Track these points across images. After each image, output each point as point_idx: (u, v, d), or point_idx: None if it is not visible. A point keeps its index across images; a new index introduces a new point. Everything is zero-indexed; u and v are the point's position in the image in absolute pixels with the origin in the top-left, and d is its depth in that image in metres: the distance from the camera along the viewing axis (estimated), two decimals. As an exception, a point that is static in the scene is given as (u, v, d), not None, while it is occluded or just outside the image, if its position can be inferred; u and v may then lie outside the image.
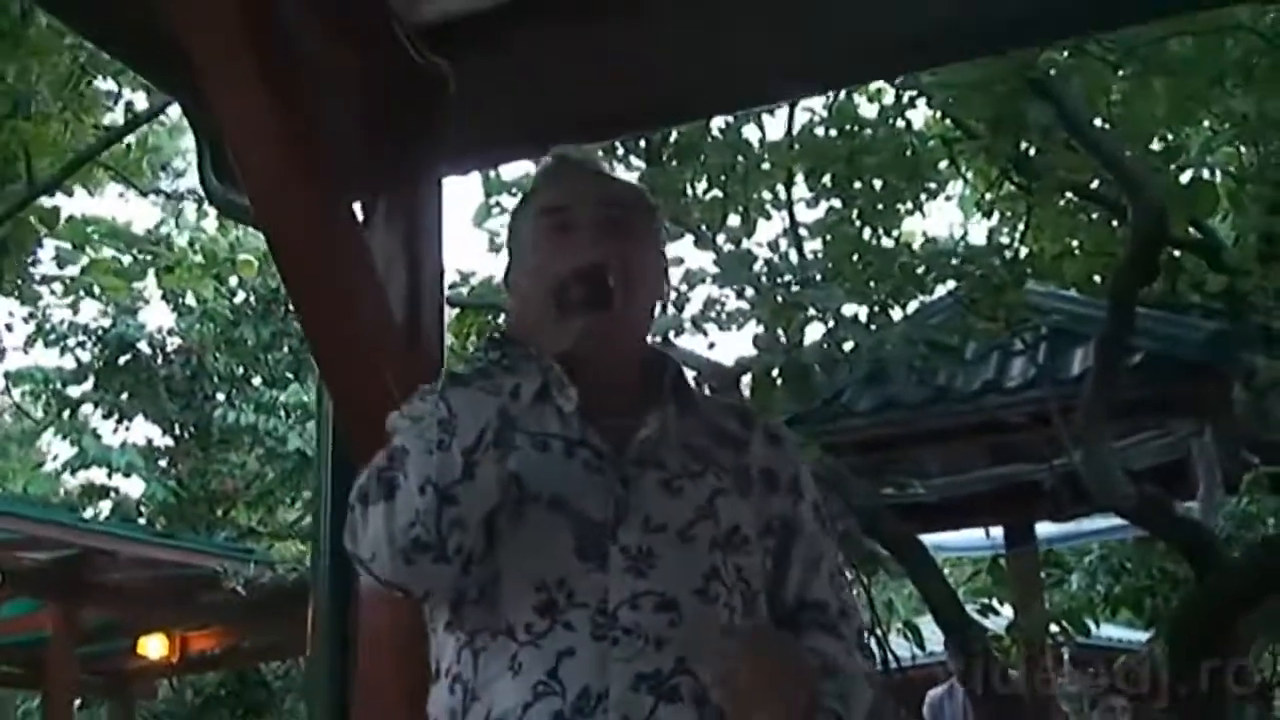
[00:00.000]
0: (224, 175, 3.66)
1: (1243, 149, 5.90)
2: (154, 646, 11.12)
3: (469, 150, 3.81)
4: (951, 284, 5.98)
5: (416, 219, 3.42)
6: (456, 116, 3.38)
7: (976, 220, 8.44)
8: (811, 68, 3.53)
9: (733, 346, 5.99)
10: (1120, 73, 5.00)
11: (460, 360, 1.72)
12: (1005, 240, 7.32)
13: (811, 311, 4.69)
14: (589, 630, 1.66)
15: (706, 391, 1.74)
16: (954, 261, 5.26)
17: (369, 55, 3.33)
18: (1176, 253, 6.49)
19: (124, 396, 14.98)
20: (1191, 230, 6.03)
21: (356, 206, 3.33)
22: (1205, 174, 5.87)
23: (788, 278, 5.16)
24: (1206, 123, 5.83)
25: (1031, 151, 5.57)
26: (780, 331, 4.71)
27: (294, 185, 2.93)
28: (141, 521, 14.25)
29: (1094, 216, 6.73)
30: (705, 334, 5.61)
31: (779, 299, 5.11)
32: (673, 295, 5.83)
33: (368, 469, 1.69)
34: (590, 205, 1.85)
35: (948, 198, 8.39)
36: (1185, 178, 5.53)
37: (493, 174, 6.80)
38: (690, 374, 1.94)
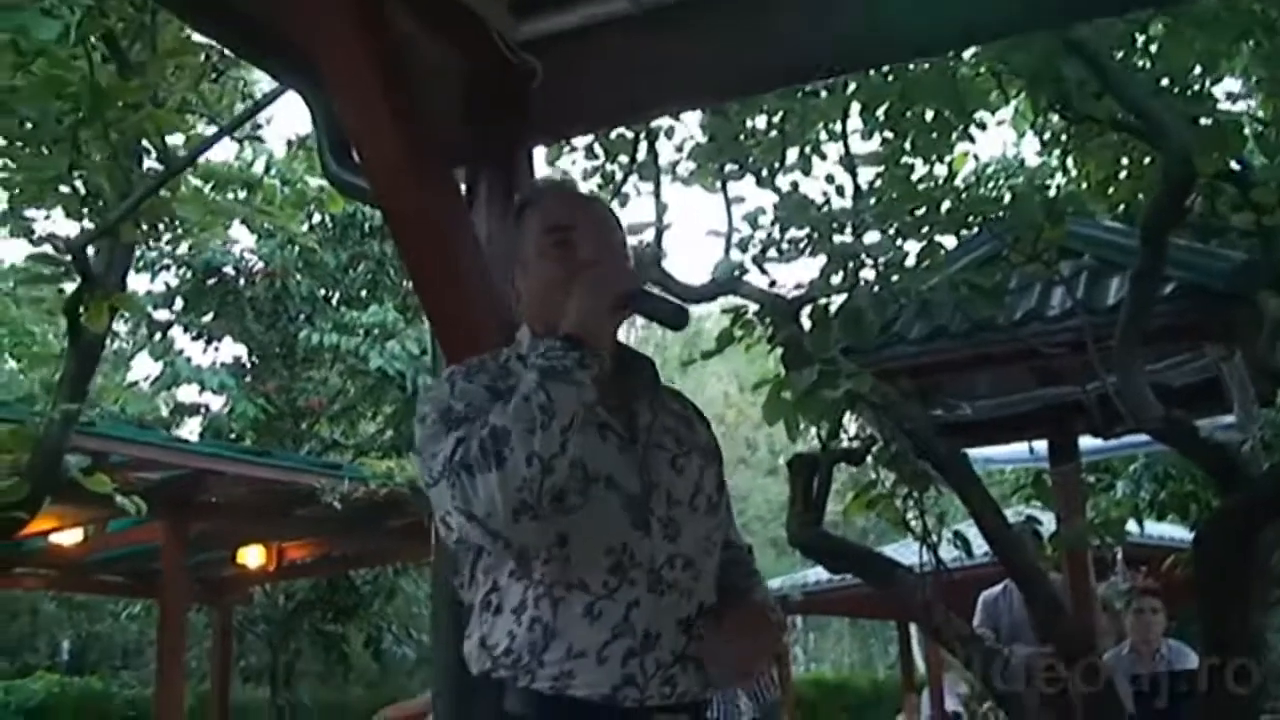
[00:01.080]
0: (341, 158, 4.13)
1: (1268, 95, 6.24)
2: (252, 556, 11.82)
3: (557, 124, 4.35)
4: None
5: (513, 190, 3.93)
6: (546, 97, 3.89)
7: (1028, 139, 8.76)
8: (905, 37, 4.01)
9: (797, 277, 6.42)
10: (1150, 29, 5.36)
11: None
12: (1053, 165, 7.67)
13: (865, 258, 5.14)
14: (646, 586, 2.17)
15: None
16: (998, 205, 5.67)
17: (469, 53, 3.82)
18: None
19: (211, 318, 15.66)
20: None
21: (460, 181, 3.85)
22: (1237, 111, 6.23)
23: (844, 221, 5.62)
24: (1235, 73, 6.15)
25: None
26: (836, 275, 5.17)
27: (406, 163, 3.43)
28: (231, 436, 14.95)
29: (1134, 148, 7.02)
30: (765, 272, 6.05)
31: (834, 241, 5.58)
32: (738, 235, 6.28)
33: (458, 444, 2.06)
34: (593, 226, 2.33)
35: (1000, 123, 8.71)
36: (1213, 121, 5.85)
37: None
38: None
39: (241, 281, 15.66)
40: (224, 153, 13.68)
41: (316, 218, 15.22)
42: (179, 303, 15.51)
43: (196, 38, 5.46)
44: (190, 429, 16.16)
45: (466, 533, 2.08)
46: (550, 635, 2.14)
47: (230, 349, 16.18)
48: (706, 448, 2.40)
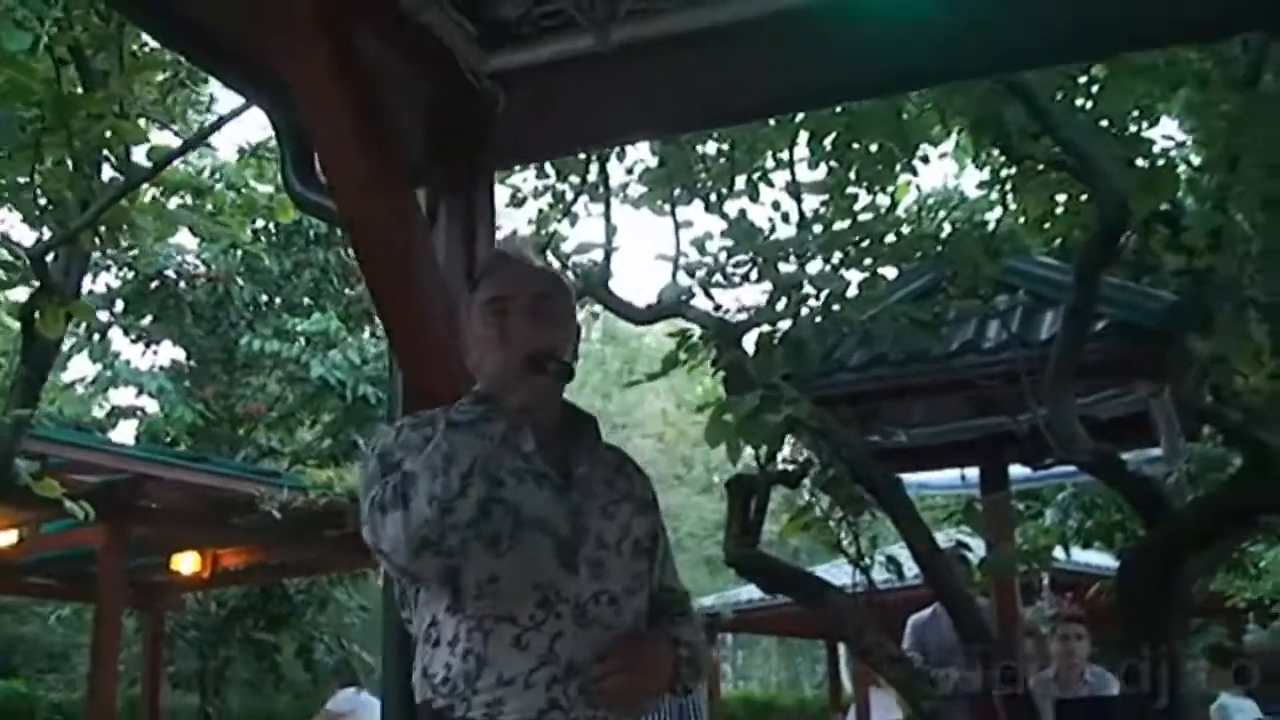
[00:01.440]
0: (305, 177, 4.21)
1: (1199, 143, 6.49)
2: (186, 562, 11.78)
3: (517, 150, 4.48)
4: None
5: (472, 213, 4.04)
6: (508, 123, 4.00)
7: (969, 171, 8.98)
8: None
9: (740, 300, 6.54)
10: (1092, 70, 5.56)
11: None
12: (992, 199, 7.87)
13: (808, 288, 5.30)
14: (571, 619, 2.37)
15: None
16: (938, 241, 5.85)
17: (435, 79, 3.92)
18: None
19: (150, 321, 15.57)
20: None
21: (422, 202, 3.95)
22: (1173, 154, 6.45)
23: (789, 249, 5.79)
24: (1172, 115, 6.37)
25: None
26: (781, 303, 5.33)
27: (372, 184, 3.53)
28: (168, 440, 14.88)
29: (1071, 185, 7.24)
30: (711, 297, 6.20)
31: (779, 269, 5.74)
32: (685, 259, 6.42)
33: (380, 486, 2.30)
34: (529, 297, 2.53)
35: (942, 155, 8.93)
36: (1148, 164, 6.06)
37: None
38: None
39: (183, 285, 15.57)
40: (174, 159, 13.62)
41: (260, 223, 15.18)
42: (119, 304, 15.42)
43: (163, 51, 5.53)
44: (125, 432, 16.06)
45: (386, 568, 2.35)
46: (482, 664, 2.35)
47: (169, 352, 16.12)
48: (640, 498, 2.61)
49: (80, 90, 5.03)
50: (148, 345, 15.54)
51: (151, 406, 15.72)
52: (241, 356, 15.19)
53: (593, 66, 3.71)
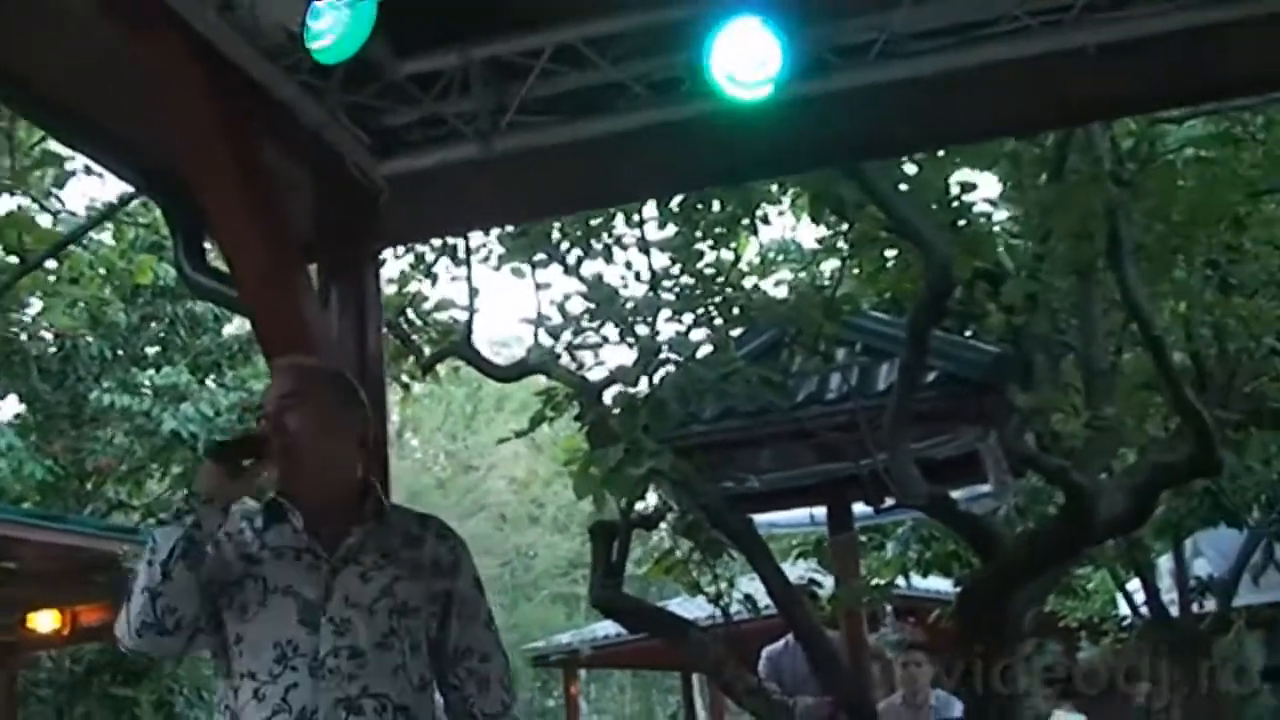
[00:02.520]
0: (197, 263, 4.49)
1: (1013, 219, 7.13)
2: (44, 621, 11.70)
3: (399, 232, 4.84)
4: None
5: (362, 292, 4.38)
6: (390, 209, 4.35)
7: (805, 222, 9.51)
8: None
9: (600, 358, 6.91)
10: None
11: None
12: (826, 254, 8.41)
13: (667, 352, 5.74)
14: (307, 671, 2.68)
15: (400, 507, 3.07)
16: (783, 304, 6.35)
17: (323, 175, 4.25)
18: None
19: (-6, 377, 15.32)
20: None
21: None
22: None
23: (644, 313, 6.23)
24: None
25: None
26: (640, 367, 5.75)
27: (270, 269, 3.85)
28: (16, 497, 14.65)
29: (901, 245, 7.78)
30: (574, 358, 6.59)
31: (637, 333, 6.18)
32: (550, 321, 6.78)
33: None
34: (271, 402, 2.95)
35: (780, 213, 9.45)
36: (969, 223, 6.62)
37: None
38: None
39: (26, 338, 15.35)
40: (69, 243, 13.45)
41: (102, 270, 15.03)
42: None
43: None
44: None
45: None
46: (235, 718, 2.71)
47: (12, 407, 15.86)
48: (421, 565, 2.88)
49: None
50: (-8, 402, 15.30)
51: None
52: (90, 411, 15.02)
53: (473, 167, 4.09)
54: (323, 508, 2.85)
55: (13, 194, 5.28)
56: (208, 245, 4.52)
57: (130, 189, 5.65)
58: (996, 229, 7.06)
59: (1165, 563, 12.16)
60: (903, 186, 6.07)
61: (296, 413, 2.87)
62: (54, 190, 7.50)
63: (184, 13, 3.36)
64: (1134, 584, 11.96)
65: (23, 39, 3.62)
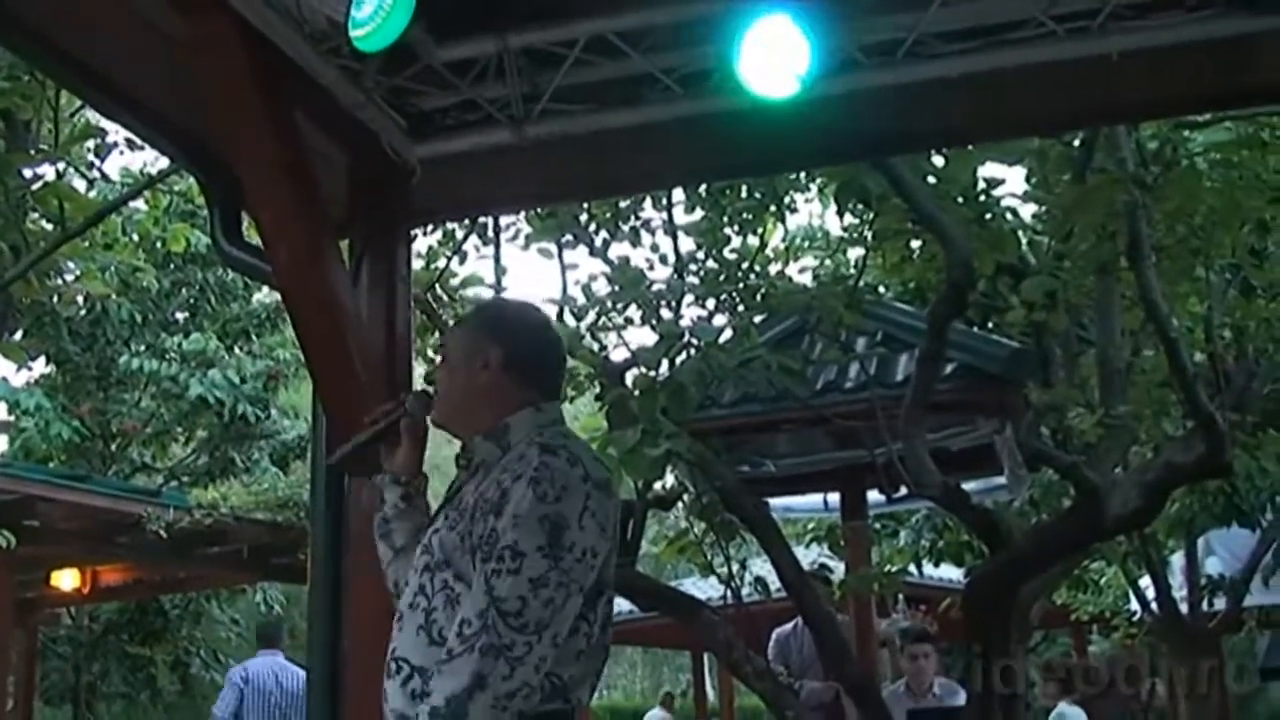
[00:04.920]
0: (233, 237, 4.59)
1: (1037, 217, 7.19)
2: (66, 579, 11.87)
3: (430, 211, 4.95)
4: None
5: (392, 271, 4.48)
6: (423, 189, 4.45)
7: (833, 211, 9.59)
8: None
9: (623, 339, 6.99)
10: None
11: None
12: (853, 239, 8.48)
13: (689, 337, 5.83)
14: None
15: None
16: (807, 294, 6.43)
17: (357, 153, 4.35)
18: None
19: (22, 337, 15.48)
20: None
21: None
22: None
23: (669, 297, 6.33)
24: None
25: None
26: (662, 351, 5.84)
27: (305, 247, 3.96)
28: (43, 457, 14.83)
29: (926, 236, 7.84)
30: (598, 340, 6.69)
31: (660, 315, 6.27)
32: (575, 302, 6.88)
33: None
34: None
35: (808, 200, 9.52)
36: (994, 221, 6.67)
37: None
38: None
39: (57, 300, 15.51)
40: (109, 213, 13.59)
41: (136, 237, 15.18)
42: (-10, 321, 15.30)
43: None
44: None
45: None
46: None
47: (41, 368, 16.03)
48: (469, 507, 2.61)
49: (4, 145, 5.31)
50: (21, 363, 15.44)
51: (25, 422, 15.62)
52: (118, 374, 15.20)
53: (505, 151, 4.18)
54: (472, 464, 2.77)
55: (53, 163, 5.37)
56: (243, 218, 4.61)
57: (168, 162, 5.74)
58: (1022, 225, 7.11)
59: (1177, 560, 12.22)
60: (929, 179, 6.15)
61: (440, 366, 2.91)
62: (95, 160, 7.64)
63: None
64: (1145, 580, 12.02)
65: (75, 16, 3.72)
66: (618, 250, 7.56)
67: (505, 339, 2.80)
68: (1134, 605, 13.01)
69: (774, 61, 3.65)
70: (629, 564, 6.92)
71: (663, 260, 7.94)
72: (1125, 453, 6.80)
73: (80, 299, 14.91)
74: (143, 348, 15.20)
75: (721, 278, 7.19)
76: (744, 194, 7.96)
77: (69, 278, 14.38)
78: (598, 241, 7.38)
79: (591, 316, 6.57)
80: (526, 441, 2.66)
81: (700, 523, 6.89)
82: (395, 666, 2.62)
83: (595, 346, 6.79)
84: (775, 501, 7.95)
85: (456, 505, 2.67)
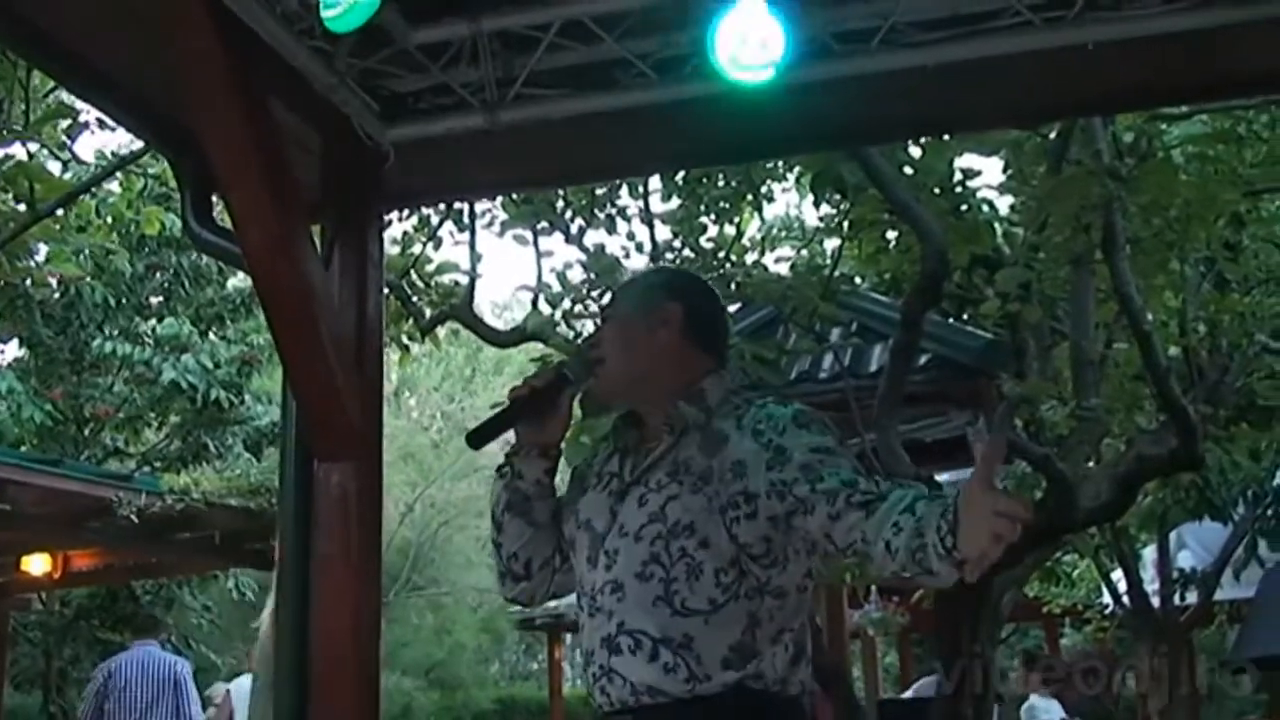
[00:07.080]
0: (203, 219, 4.55)
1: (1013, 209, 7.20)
2: (36, 564, 11.79)
3: (403, 196, 4.91)
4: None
5: (364, 255, 4.44)
6: (396, 173, 4.41)
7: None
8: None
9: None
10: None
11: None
12: (828, 230, 8.49)
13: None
14: (587, 612, 2.60)
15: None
16: (781, 284, 6.43)
17: (329, 136, 4.31)
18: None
19: (-4, 320, 15.40)
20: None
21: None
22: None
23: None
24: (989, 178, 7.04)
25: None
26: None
27: (276, 232, 3.91)
28: (15, 440, 14.75)
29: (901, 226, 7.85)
30: (572, 327, 6.67)
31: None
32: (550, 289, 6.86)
33: None
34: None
35: (785, 190, 9.51)
36: (971, 209, 6.69)
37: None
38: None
39: (30, 284, 15.42)
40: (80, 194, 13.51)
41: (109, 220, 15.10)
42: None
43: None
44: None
45: None
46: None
47: (13, 351, 15.95)
48: (711, 472, 2.53)
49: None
50: (-6, 346, 15.38)
51: (-1, 407, 15.55)
52: (91, 358, 15.12)
53: (479, 136, 4.15)
54: (642, 425, 2.68)
55: (24, 144, 5.33)
56: (215, 201, 4.58)
57: (140, 143, 5.71)
58: (997, 217, 7.12)
59: (1149, 554, 12.27)
60: (906, 170, 6.15)
61: (605, 329, 2.79)
62: (67, 141, 7.58)
63: (199, -27, 3.41)
64: (1118, 573, 12.07)
65: (40, -9, 3.67)
66: (593, 238, 7.56)
67: (683, 296, 2.77)
68: (1106, 598, 13.07)
69: (748, 48, 3.62)
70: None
71: (639, 248, 7.93)
72: (1097, 445, 6.83)
73: (54, 282, 14.85)
74: (116, 332, 15.11)
75: (697, 266, 7.17)
76: (721, 183, 7.97)
77: (40, 259, 14.36)
78: (573, 229, 7.37)
79: (566, 304, 6.54)
80: (732, 405, 2.64)
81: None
82: (632, 641, 2.50)
83: (570, 334, 6.78)
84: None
85: (669, 471, 2.56)
